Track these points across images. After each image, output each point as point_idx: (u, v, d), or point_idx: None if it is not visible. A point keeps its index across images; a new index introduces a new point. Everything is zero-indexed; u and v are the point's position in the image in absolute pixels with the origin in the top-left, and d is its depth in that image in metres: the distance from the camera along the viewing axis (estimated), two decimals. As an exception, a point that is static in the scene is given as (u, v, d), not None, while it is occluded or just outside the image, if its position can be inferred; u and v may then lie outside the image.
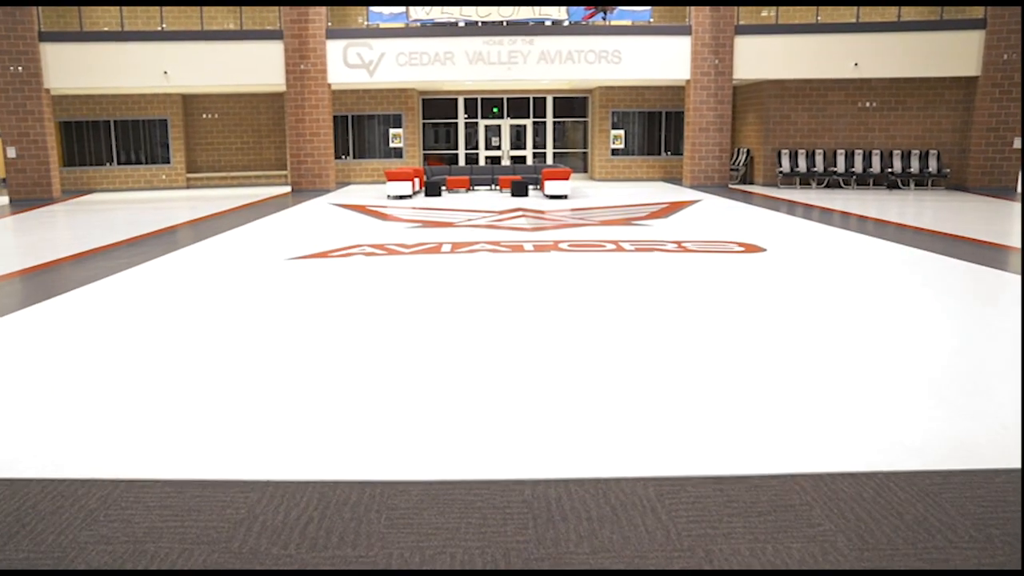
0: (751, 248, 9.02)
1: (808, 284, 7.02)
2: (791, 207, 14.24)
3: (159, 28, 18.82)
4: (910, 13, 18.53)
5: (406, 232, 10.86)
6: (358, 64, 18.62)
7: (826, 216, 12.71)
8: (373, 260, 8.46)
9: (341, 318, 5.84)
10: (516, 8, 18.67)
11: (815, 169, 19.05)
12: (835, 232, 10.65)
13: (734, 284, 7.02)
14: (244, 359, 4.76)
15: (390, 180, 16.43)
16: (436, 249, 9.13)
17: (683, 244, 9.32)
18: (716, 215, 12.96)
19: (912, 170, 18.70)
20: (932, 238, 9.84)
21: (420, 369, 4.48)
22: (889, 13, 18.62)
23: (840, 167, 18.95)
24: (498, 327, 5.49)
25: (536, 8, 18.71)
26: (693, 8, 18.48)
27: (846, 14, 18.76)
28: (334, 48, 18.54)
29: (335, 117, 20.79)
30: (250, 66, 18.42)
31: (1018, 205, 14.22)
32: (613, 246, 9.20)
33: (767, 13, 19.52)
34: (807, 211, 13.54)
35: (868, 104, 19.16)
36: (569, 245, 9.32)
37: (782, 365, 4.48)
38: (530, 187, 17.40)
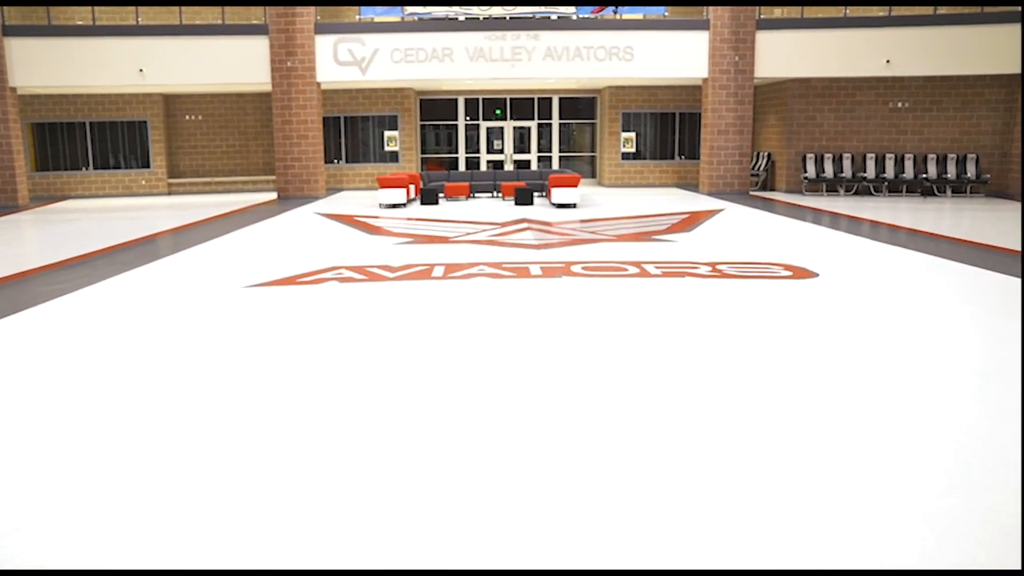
0: (800, 272, 7.60)
1: (884, 323, 5.58)
2: (825, 218, 12.80)
3: (134, 23, 17.45)
4: (946, 7, 17.08)
5: (394, 250, 9.46)
6: (350, 61, 17.22)
7: (863, 228, 11.27)
8: (348, 288, 7.06)
9: (291, 376, 4.43)
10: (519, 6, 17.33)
11: (843, 175, 17.58)
12: (886, 249, 9.21)
13: (794, 327, 5.60)
14: (154, 436, 3.35)
15: (382, 187, 15.05)
16: (426, 273, 7.72)
17: (718, 267, 7.89)
18: (745, 227, 11.53)
19: (948, 176, 17.23)
20: (1001, 256, 8.38)
21: (385, 458, 3.07)
22: (924, 7, 17.16)
23: (870, 172, 17.49)
24: (496, 390, 4.07)
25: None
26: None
27: (876, 8, 17.29)
28: (323, 44, 17.14)
29: (326, 118, 19.40)
30: (232, 63, 17.03)
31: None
32: (636, 269, 7.78)
33: (781, 12, 18.08)
34: (844, 222, 12.08)
35: (900, 104, 17.70)
36: (583, 268, 7.91)
37: (890, 463, 3.07)
38: (535, 194, 15.99)
